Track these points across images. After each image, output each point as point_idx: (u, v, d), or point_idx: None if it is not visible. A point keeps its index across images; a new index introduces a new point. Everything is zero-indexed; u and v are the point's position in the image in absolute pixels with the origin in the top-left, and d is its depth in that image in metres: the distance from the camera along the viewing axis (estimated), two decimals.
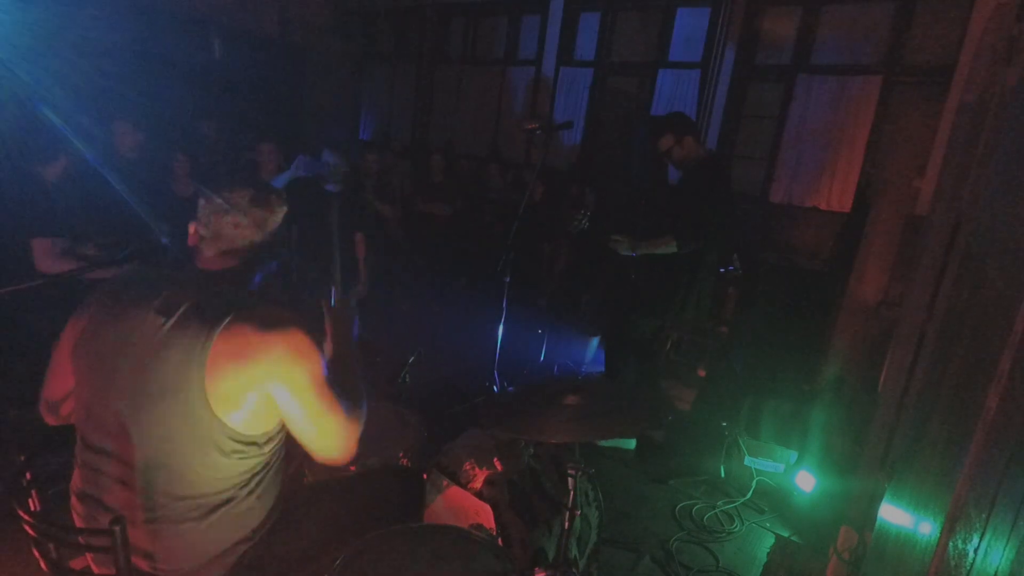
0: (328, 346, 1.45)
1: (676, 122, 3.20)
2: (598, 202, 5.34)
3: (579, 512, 1.61)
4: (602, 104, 6.40)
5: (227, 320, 1.18)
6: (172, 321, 1.20)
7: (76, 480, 1.31)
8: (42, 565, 1.22)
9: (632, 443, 3.30)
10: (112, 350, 1.23)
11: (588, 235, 3.17)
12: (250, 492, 1.29)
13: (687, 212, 3.07)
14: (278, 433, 1.31)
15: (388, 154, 6.74)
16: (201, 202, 1.29)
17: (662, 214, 3.36)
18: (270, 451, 1.31)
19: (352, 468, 1.85)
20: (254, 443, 1.25)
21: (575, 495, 1.59)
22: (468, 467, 1.90)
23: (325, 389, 1.24)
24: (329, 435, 1.26)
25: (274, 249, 1.38)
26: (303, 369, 1.21)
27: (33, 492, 1.25)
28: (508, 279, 3.35)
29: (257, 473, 1.30)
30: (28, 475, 1.25)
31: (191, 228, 1.32)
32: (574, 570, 1.69)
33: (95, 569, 1.30)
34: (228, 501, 1.26)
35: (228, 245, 1.30)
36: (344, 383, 1.32)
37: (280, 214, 1.37)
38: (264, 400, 1.21)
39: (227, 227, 1.28)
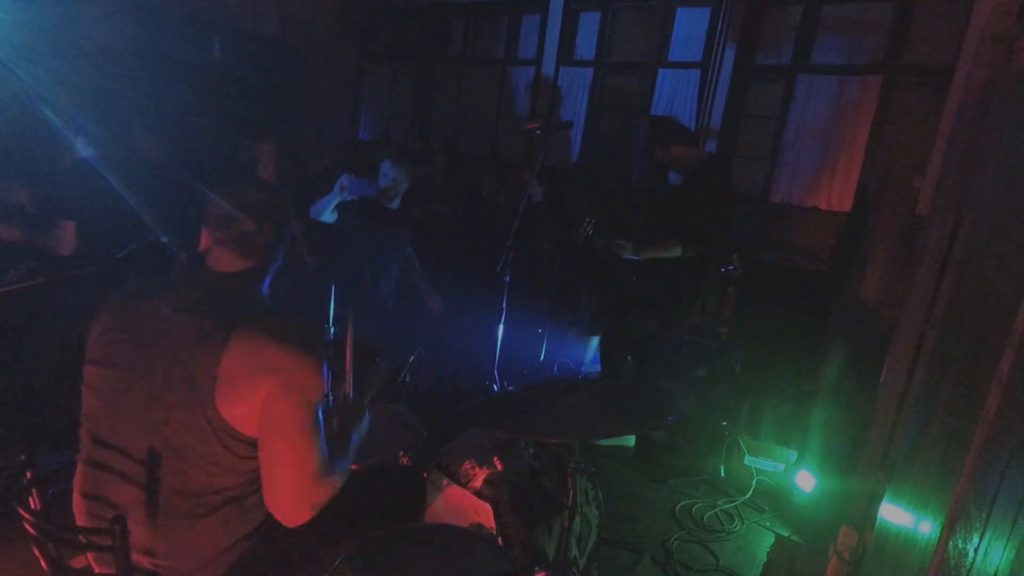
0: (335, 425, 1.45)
1: (660, 131, 3.20)
2: (600, 205, 5.34)
3: (579, 512, 1.61)
4: (602, 104, 6.40)
5: (244, 323, 1.20)
6: (189, 318, 1.22)
7: (81, 478, 1.32)
8: (42, 564, 1.22)
9: (631, 440, 3.30)
10: (127, 346, 1.24)
11: (592, 242, 3.15)
12: (254, 491, 1.30)
13: (690, 216, 3.06)
14: None
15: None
16: (217, 208, 1.29)
17: (664, 217, 3.35)
18: None
19: (353, 468, 1.85)
20: (253, 444, 1.25)
21: (575, 495, 1.59)
22: (468, 467, 1.90)
23: (314, 418, 1.22)
24: (293, 470, 1.20)
25: (284, 247, 1.39)
26: (304, 383, 1.21)
27: (33, 491, 1.25)
28: (508, 279, 3.35)
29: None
30: (28, 474, 1.25)
31: (202, 233, 1.32)
32: (574, 570, 1.69)
33: (96, 568, 1.30)
34: (233, 500, 1.27)
35: (248, 248, 1.31)
36: (331, 450, 1.29)
37: (291, 216, 1.39)
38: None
39: (249, 232, 1.29)
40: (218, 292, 1.27)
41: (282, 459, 1.19)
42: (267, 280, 1.39)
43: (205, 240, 1.33)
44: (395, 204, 3.25)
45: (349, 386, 1.58)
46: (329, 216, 3.07)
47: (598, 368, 4.04)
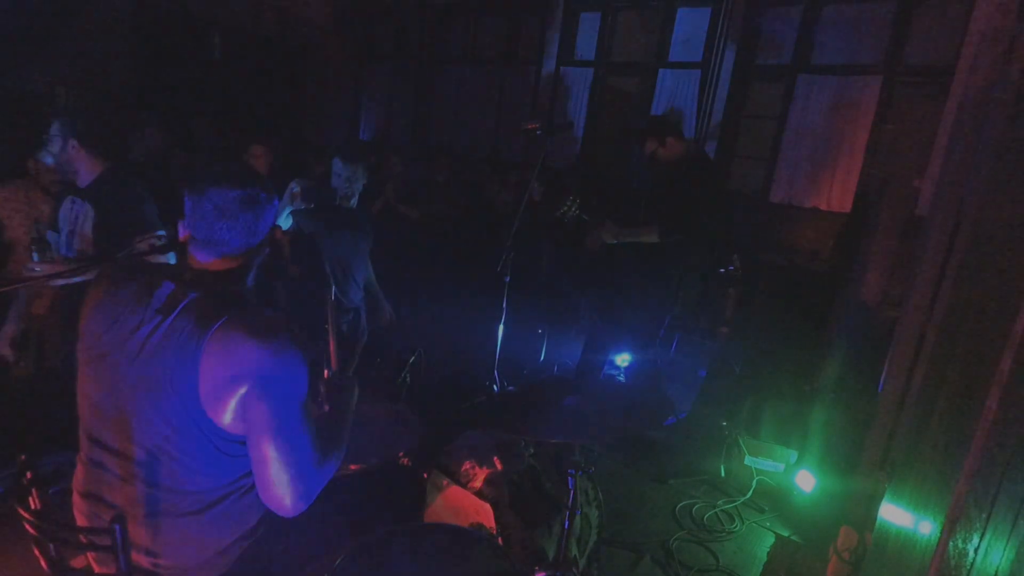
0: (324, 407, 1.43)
1: (655, 125, 3.27)
2: (599, 202, 5.34)
3: (579, 512, 1.61)
4: (602, 104, 6.40)
5: (222, 321, 1.18)
6: (171, 318, 1.21)
7: (79, 478, 1.32)
8: (43, 564, 1.22)
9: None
10: (114, 345, 1.24)
11: (577, 224, 3.15)
12: (249, 490, 1.29)
13: (670, 203, 3.09)
14: None
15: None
16: (189, 205, 1.26)
17: (655, 212, 3.36)
18: None
19: (353, 468, 1.85)
20: (244, 443, 1.24)
21: (575, 495, 1.59)
22: (468, 467, 1.90)
23: (298, 414, 1.19)
24: (284, 467, 1.17)
25: (266, 242, 1.36)
26: (282, 380, 1.18)
27: (33, 491, 1.25)
28: (508, 279, 3.35)
29: None
30: (28, 475, 1.25)
31: (180, 228, 1.30)
32: (574, 570, 1.69)
33: (96, 568, 1.30)
34: (227, 496, 1.27)
35: (223, 248, 1.27)
36: (323, 437, 1.26)
37: (272, 209, 1.33)
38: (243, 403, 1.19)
39: (220, 231, 1.25)
40: (197, 290, 1.25)
41: (270, 458, 1.16)
42: (251, 274, 1.35)
43: (183, 236, 1.30)
44: (354, 203, 3.06)
45: (334, 363, 1.56)
46: (283, 221, 2.98)
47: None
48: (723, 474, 3.06)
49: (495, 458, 1.93)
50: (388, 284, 3.45)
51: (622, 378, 3.60)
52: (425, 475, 1.96)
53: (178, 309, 1.22)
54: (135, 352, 1.21)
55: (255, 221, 1.28)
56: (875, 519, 1.99)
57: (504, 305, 3.39)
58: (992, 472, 1.00)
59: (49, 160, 2.37)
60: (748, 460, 3.03)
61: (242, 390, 1.16)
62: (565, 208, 3.10)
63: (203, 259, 1.28)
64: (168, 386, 1.18)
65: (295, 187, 2.85)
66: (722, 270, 3.52)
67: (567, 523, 1.61)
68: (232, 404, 1.17)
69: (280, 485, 1.17)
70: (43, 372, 2.74)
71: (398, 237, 5.20)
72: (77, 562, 1.32)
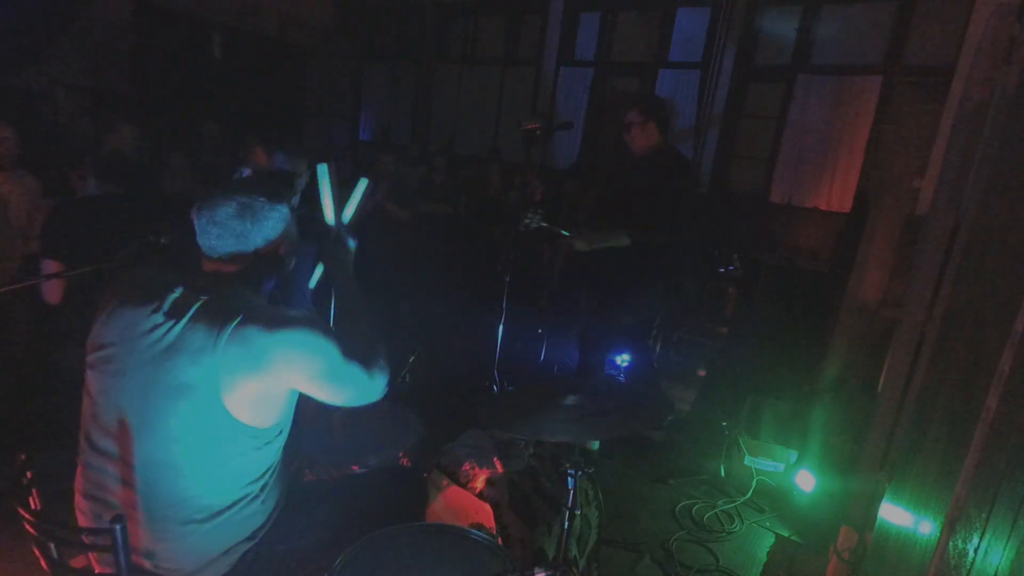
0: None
1: (648, 102, 3.17)
2: (596, 201, 5.34)
3: (579, 512, 1.61)
4: (602, 104, 6.40)
5: (237, 320, 1.19)
6: (183, 322, 1.21)
7: (81, 480, 1.31)
8: (43, 564, 1.22)
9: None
10: (120, 351, 1.23)
11: (541, 232, 3.14)
12: (255, 495, 1.30)
13: (637, 202, 3.06)
14: (286, 425, 1.33)
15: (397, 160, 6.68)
16: (202, 217, 1.29)
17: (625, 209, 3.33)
18: (278, 447, 1.33)
19: (353, 468, 1.85)
20: (265, 437, 1.26)
21: (575, 495, 1.59)
22: (468, 467, 1.90)
23: (342, 367, 1.26)
24: (359, 388, 1.30)
25: (276, 250, 1.37)
26: (315, 363, 1.22)
27: (34, 491, 1.25)
28: (508, 279, 3.35)
29: (265, 474, 1.31)
30: (28, 474, 1.25)
31: (193, 237, 1.32)
32: (574, 570, 1.69)
33: (96, 568, 1.30)
34: (235, 504, 1.26)
35: (223, 255, 1.30)
36: (352, 326, 1.39)
37: (273, 218, 1.34)
38: (276, 392, 1.23)
39: (214, 240, 1.29)
40: (210, 293, 1.26)
41: (337, 398, 1.29)
42: (265, 284, 1.38)
43: (195, 244, 1.32)
44: (295, 202, 2.75)
45: (329, 211, 1.59)
46: None
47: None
48: (723, 474, 3.06)
49: (495, 458, 1.93)
50: (387, 284, 3.44)
51: (622, 378, 3.60)
52: (425, 475, 1.96)
53: (191, 312, 1.22)
54: (146, 357, 1.21)
55: (247, 231, 1.30)
56: (875, 519, 1.99)
57: (504, 305, 3.39)
58: (992, 472, 1.00)
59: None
60: (748, 460, 3.03)
61: (276, 382, 1.20)
62: (528, 220, 3.09)
63: (212, 264, 1.32)
64: (185, 389, 1.18)
65: (245, 172, 2.74)
66: (722, 270, 3.51)
67: (567, 523, 1.60)
68: (260, 396, 1.20)
69: (361, 398, 1.31)
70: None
71: (388, 237, 5.18)
72: (77, 562, 1.32)
